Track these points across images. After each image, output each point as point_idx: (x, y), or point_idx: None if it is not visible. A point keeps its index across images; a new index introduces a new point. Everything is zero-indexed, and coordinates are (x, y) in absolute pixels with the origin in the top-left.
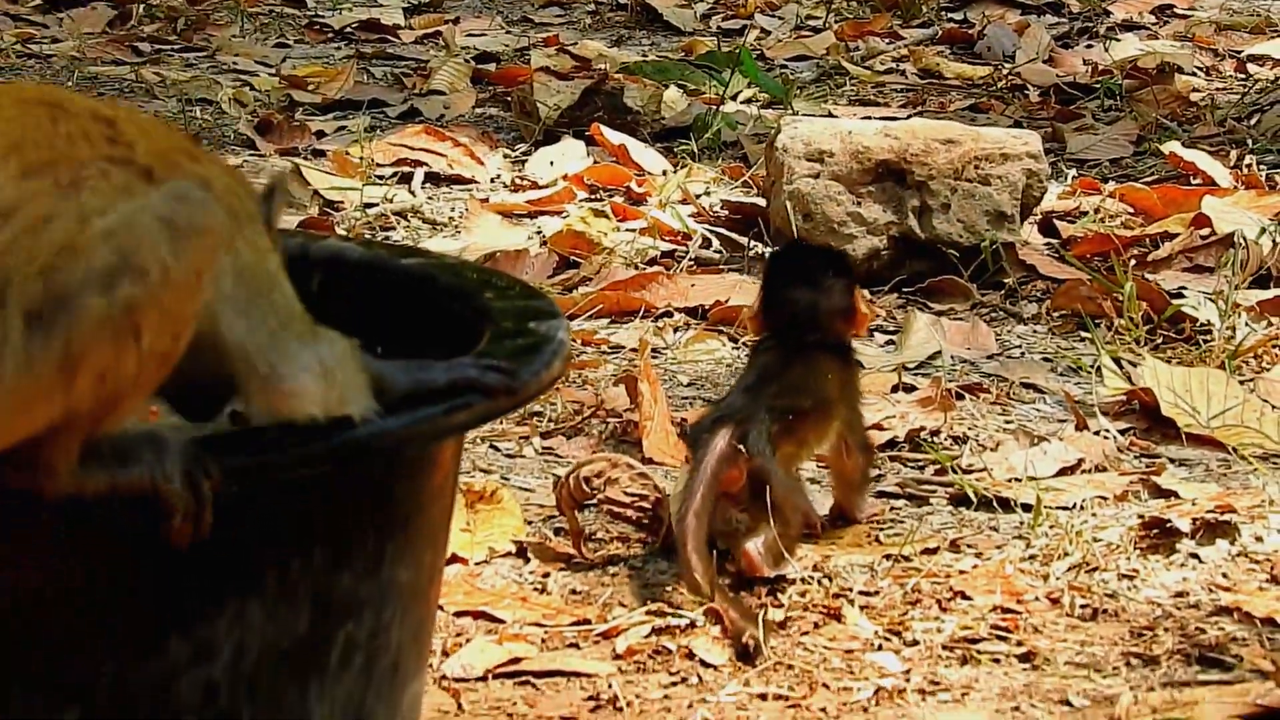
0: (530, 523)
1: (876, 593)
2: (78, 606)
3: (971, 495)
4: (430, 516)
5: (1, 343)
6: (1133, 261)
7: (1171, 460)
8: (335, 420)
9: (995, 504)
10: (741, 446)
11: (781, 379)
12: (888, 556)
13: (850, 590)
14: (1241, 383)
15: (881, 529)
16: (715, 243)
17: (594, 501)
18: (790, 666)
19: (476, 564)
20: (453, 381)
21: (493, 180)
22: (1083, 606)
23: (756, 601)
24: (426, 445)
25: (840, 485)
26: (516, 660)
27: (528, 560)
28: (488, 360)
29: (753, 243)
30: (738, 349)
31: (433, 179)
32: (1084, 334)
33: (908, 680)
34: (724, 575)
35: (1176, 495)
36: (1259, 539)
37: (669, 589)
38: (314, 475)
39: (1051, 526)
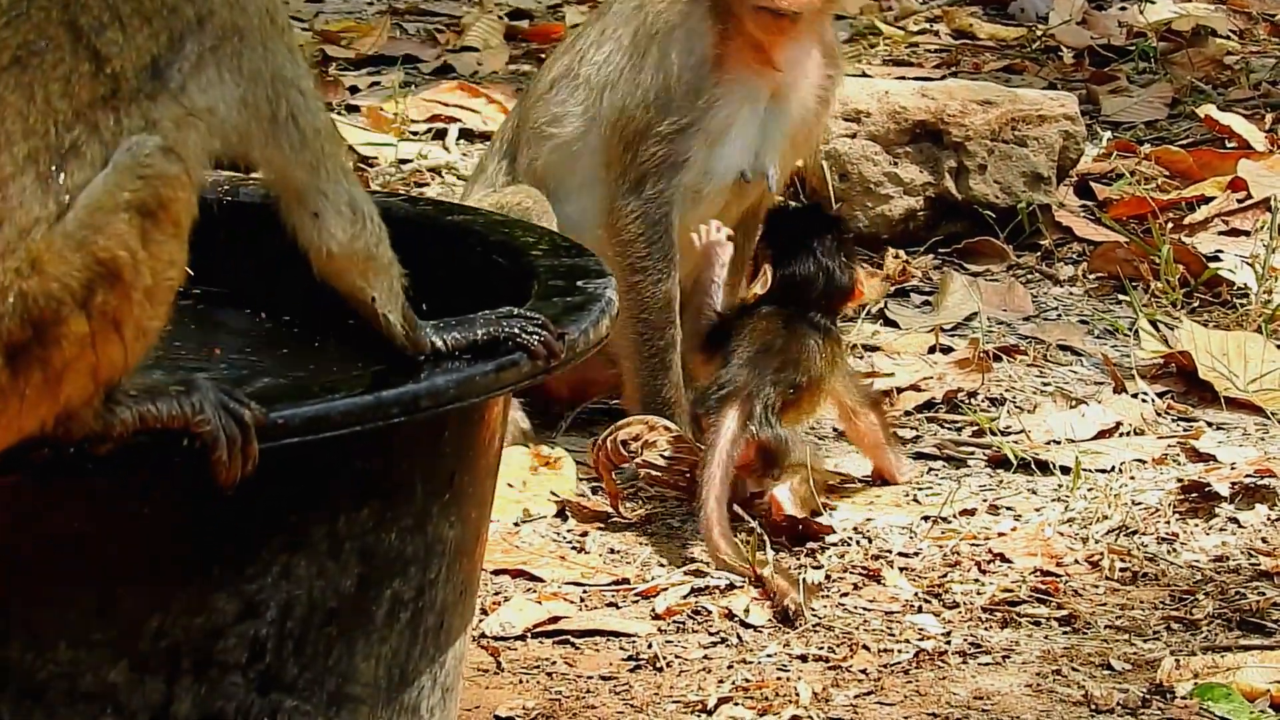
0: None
1: (916, 554)
2: (122, 560)
3: (1010, 457)
4: (477, 474)
5: None
6: (1169, 224)
7: (1209, 424)
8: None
9: (1033, 466)
10: (750, 424)
11: (784, 353)
12: (926, 518)
13: (889, 552)
14: (1278, 346)
15: (920, 490)
16: None
17: (631, 464)
18: (830, 628)
19: (515, 523)
20: (495, 337)
21: None
22: (1122, 570)
23: (795, 564)
24: (475, 402)
25: (867, 448)
26: (556, 619)
27: (566, 519)
28: (534, 316)
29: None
30: None
31: (467, 135)
32: (1121, 296)
33: (948, 642)
34: (760, 540)
35: (1215, 459)
36: None
37: (707, 549)
38: (362, 430)
39: (1090, 489)
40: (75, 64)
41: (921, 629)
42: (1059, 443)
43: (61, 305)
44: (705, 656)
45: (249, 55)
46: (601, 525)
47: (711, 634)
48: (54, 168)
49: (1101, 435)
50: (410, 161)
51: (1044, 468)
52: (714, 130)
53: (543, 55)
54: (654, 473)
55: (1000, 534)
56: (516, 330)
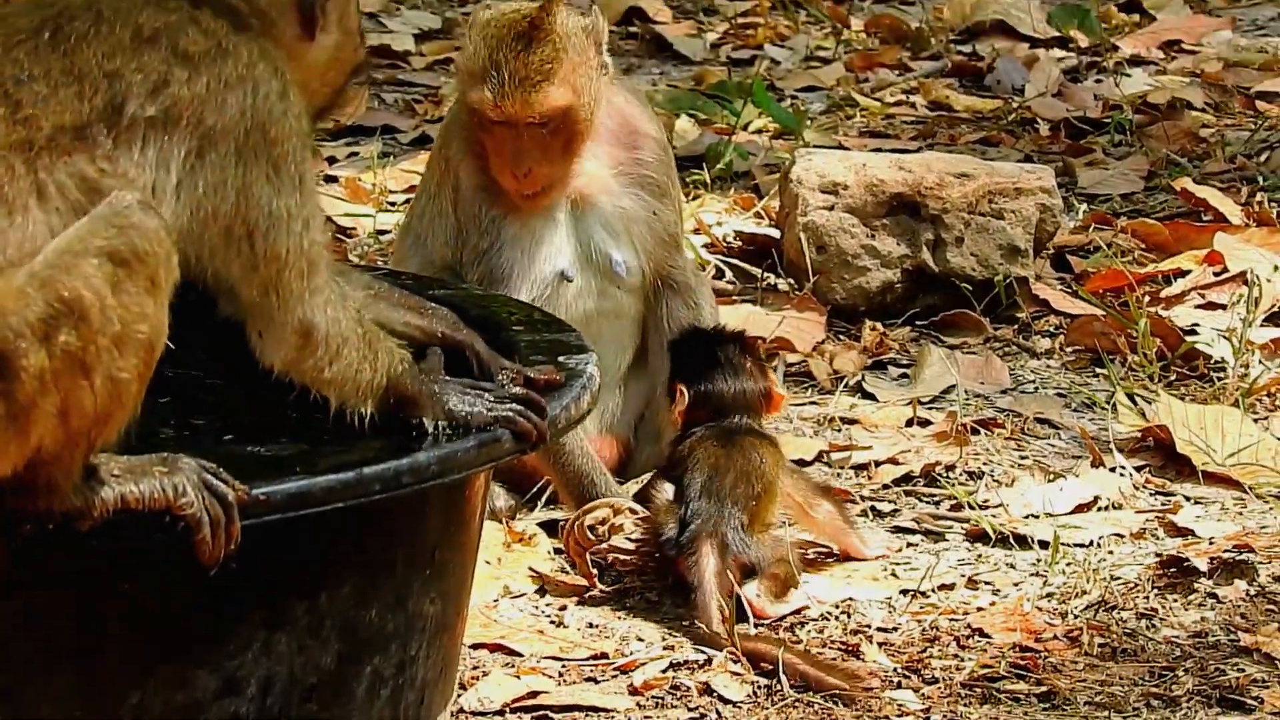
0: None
1: (895, 629)
2: (102, 636)
3: (989, 531)
4: (457, 549)
5: None
6: (1146, 297)
7: (1187, 498)
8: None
9: (1012, 540)
10: (728, 552)
11: (732, 469)
12: (904, 592)
13: (868, 626)
14: (1256, 420)
15: (898, 564)
16: (728, 273)
17: (600, 548)
18: (810, 704)
19: (495, 599)
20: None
21: None
22: (1101, 645)
23: (775, 637)
24: (456, 478)
25: (830, 536)
26: (535, 694)
27: (544, 594)
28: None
29: (766, 274)
30: None
31: None
32: (1098, 370)
33: (927, 718)
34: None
35: (1193, 534)
36: (1277, 578)
37: (685, 623)
38: (344, 506)
39: (1069, 564)
40: None
41: (901, 704)
42: (1037, 517)
43: (19, 338)
44: None
45: (214, 159)
46: (579, 600)
47: (690, 709)
48: None
49: (1080, 509)
50: (388, 232)
51: (1022, 542)
52: (520, 243)
53: None
54: (622, 556)
55: (979, 609)
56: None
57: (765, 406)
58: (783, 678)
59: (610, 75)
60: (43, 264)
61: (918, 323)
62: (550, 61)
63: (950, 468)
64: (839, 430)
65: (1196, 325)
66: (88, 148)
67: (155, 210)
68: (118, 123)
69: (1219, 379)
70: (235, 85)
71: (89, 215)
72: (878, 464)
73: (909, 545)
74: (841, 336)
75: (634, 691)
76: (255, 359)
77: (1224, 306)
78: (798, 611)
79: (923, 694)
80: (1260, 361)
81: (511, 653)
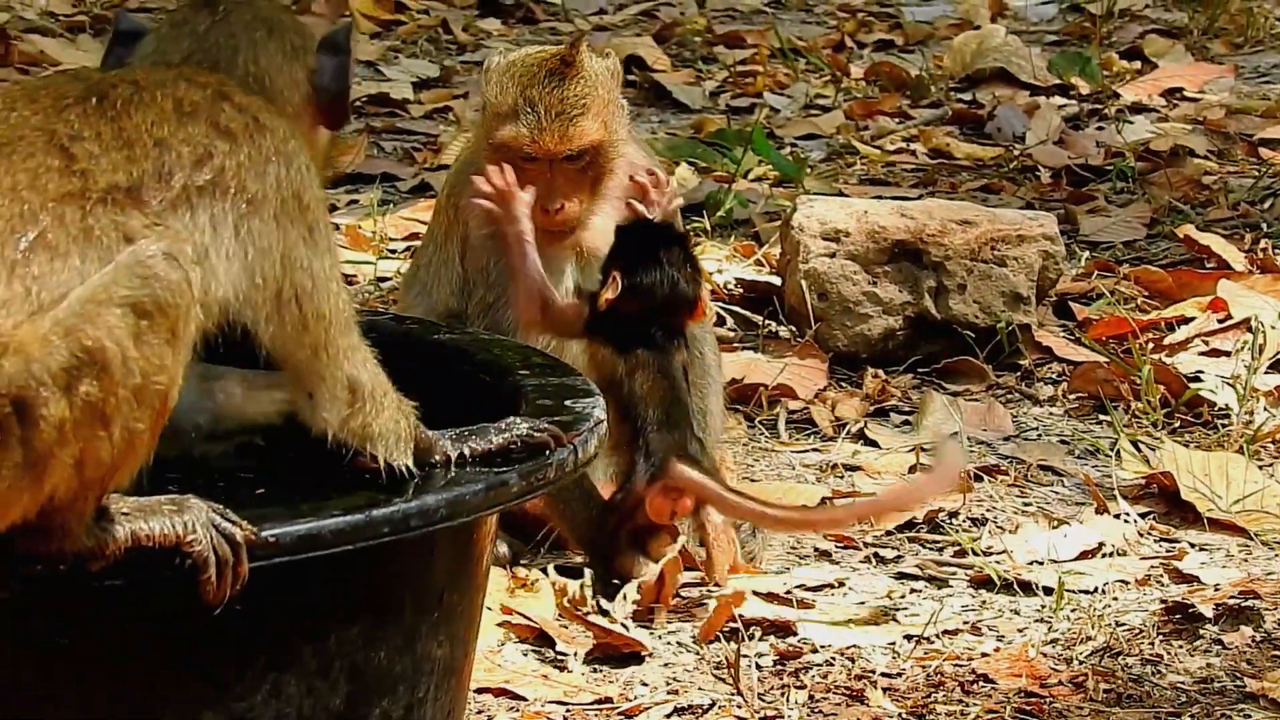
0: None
1: (899, 674)
2: (109, 676)
3: (993, 577)
4: (465, 592)
5: None
6: (1149, 344)
7: (1192, 545)
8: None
9: (1016, 587)
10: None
11: (675, 393)
12: (909, 637)
13: (873, 672)
14: (1261, 467)
15: (900, 609)
16: (730, 320)
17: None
18: None
19: (498, 642)
20: (507, 443)
21: None
22: (1107, 692)
23: (779, 684)
24: (465, 521)
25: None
26: None
27: (547, 639)
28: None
29: (767, 321)
30: (753, 427)
31: None
32: (1102, 417)
33: None
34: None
35: (1198, 580)
36: None
37: (690, 668)
38: (353, 549)
39: (1074, 610)
40: (45, 159)
41: None
42: (1041, 563)
43: (41, 386)
44: None
45: (259, 226)
46: (583, 644)
47: None
48: (19, 254)
49: (1084, 556)
50: (389, 280)
51: (1027, 588)
52: None
53: None
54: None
55: (984, 654)
56: (526, 431)
57: (691, 314)
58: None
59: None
60: (67, 312)
61: (920, 370)
62: (584, 97)
63: (954, 514)
64: (841, 477)
65: (1200, 372)
66: (139, 206)
67: (179, 262)
68: (168, 188)
69: (1223, 426)
70: (273, 157)
71: (114, 263)
72: None
73: (912, 591)
74: (843, 384)
75: None
76: (306, 425)
77: (1228, 353)
78: (799, 655)
79: None
80: (1265, 408)
81: (516, 697)
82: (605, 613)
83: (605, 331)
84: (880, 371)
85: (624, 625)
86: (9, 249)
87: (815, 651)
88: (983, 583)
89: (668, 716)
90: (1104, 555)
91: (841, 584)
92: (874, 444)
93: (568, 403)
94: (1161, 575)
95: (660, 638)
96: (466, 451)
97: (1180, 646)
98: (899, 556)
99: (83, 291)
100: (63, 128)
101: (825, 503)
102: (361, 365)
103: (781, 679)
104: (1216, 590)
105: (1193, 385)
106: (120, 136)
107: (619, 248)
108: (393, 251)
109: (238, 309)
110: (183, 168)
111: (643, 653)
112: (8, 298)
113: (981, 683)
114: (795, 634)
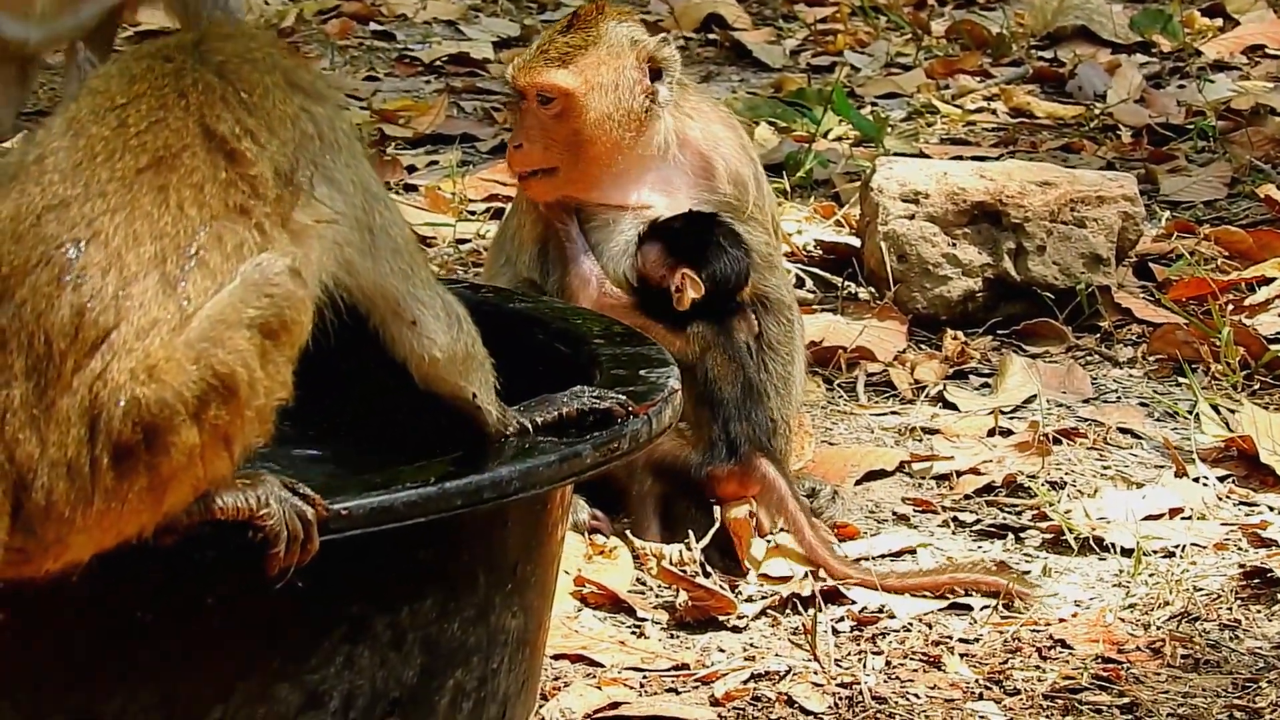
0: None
1: (976, 640)
2: (184, 651)
3: (1071, 541)
4: (539, 563)
5: (91, 477)
6: (1229, 306)
7: (1271, 508)
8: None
9: (1094, 550)
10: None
11: (744, 372)
12: (985, 604)
13: (950, 638)
14: None
15: None
16: (809, 282)
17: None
18: (891, 715)
19: (576, 608)
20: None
21: None
22: (1184, 657)
23: (856, 649)
24: (538, 493)
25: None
26: (616, 705)
27: (625, 605)
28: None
29: (846, 283)
30: (832, 389)
31: None
32: (1181, 379)
33: None
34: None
35: (1277, 544)
36: None
37: (766, 634)
38: (425, 521)
39: (1151, 575)
40: (212, 170)
41: (983, 716)
42: (1119, 526)
43: (174, 414)
44: None
45: (347, 168)
46: (661, 610)
47: None
48: (179, 271)
49: (1162, 519)
50: (468, 241)
51: (1105, 551)
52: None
53: None
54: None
55: (1061, 620)
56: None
57: (747, 283)
58: (865, 687)
59: (670, 105)
60: (198, 335)
61: (999, 332)
62: (575, 48)
63: (1032, 478)
64: (920, 440)
65: None
66: (299, 191)
67: (301, 277)
68: (305, 162)
69: None
70: (325, 98)
71: (240, 279)
72: (959, 474)
73: (988, 554)
74: (923, 346)
75: (715, 703)
76: (410, 360)
77: None
78: (875, 622)
79: (1004, 705)
80: None
81: (593, 663)
82: (709, 574)
83: (660, 315)
84: (959, 333)
85: (721, 587)
86: (170, 267)
87: (892, 618)
88: (1061, 547)
89: (744, 682)
90: (1182, 519)
91: (925, 547)
92: (953, 406)
93: (642, 372)
94: (1240, 539)
95: (740, 598)
96: (538, 421)
97: (1259, 611)
98: (977, 520)
99: (212, 311)
100: (222, 127)
101: (903, 467)
102: (446, 290)
103: (858, 645)
104: None
105: (1273, 347)
106: (267, 125)
107: (671, 250)
108: (472, 213)
109: (343, 258)
110: (308, 140)
111: (732, 615)
112: (161, 318)
113: (1059, 648)
114: (872, 601)
